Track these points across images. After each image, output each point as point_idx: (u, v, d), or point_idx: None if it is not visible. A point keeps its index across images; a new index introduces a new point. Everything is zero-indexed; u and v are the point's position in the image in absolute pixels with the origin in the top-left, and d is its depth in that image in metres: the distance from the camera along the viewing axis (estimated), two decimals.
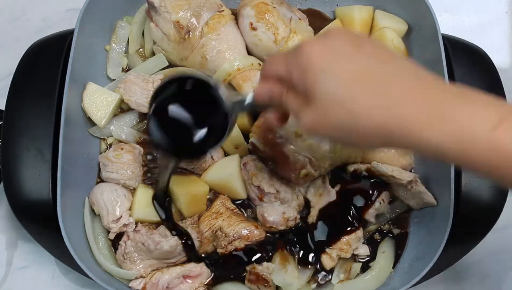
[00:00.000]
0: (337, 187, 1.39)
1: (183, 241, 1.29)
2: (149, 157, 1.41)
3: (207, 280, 1.31)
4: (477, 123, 0.77)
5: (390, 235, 1.37)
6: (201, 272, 1.30)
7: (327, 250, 1.32)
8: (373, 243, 1.36)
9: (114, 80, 1.49)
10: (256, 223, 1.36)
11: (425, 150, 0.81)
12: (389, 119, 0.81)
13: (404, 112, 0.81)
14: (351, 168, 1.39)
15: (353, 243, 1.32)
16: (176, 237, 1.28)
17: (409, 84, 0.83)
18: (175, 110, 1.12)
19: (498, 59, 1.45)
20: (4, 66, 1.56)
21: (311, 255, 1.34)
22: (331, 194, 1.37)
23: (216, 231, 1.30)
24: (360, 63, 0.85)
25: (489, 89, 1.38)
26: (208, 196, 1.37)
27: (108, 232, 1.34)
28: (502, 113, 0.77)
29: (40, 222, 1.31)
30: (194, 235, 1.31)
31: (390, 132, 0.82)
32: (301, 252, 1.35)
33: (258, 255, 1.32)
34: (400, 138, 0.82)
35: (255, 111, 1.39)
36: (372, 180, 1.38)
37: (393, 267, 1.34)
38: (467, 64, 1.40)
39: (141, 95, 1.41)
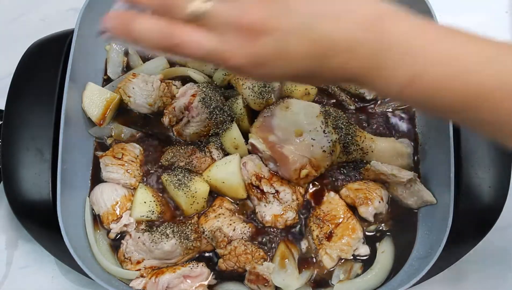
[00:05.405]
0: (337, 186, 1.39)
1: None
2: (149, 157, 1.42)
3: (207, 280, 1.31)
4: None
5: (389, 234, 1.37)
6: (201, 272, 1.30)
7: (327, 250, 1.32)
8: (373, 243, 1.36)
9: (114, 80, 1.49)
10: (255, 224, 1.36)
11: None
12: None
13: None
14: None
15: (353, 243, 1.32)
16: (176, 237, 1.28)
17: None
18: None
19: None
20: (4, 66, 1.56)
21: (312, 255, 1.34)
22: (331, 194, 1.37)
23: (215, 232, 1.31)
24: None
25: None
26: (208, 196, 1.38)
27: (108, 232, 1.35)
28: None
29: (40, 222, 1.31)
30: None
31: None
32: (302, 252, 1.35)
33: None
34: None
35: (254, 111, 1.40)
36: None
37: (393, 267, 1.34)
38: None
39: (140, 96, 1.41)
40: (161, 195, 1.38)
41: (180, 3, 0.82)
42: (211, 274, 1.32)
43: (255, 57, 0.81)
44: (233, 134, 1.38)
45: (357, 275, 1.33)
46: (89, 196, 1.37)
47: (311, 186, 1.40)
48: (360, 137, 1.39)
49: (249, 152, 1.40)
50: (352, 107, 1.47)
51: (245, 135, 1.39)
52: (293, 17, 0.79)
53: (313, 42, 0.80)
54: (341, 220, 1.33)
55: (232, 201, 1.39)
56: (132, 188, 1.38)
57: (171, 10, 0.83)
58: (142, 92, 1.41)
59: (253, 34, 0.79)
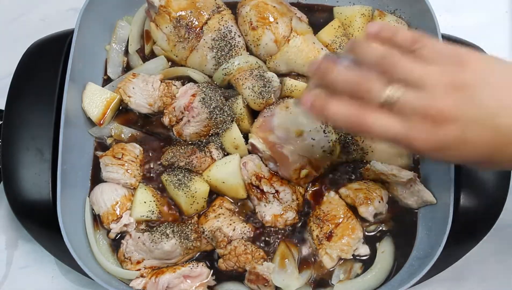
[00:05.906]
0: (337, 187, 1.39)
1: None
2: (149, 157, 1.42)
3: (207, 280, 1.31)
4: None
5: (389, 234, 1.37)
6: (201, 272, 1.30)
7: (327, 250, 1.32)
8: (372, 243, 1.36)
9: (114, 80, 1.49)
10: (255, 224, 1.36)
11: None
12: None
13: None
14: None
15: (353, 243, 1.32)
16: (176, 237, 1.28)
17: None
18: None
19: None
20: (4, 66, 1.56)
21: (312, 255, 1.34)
22: (331, 194, 1.37)
23: (215, 232, 1.31)
24: None
25: None
26: (208, 196, 1.38)
27: (108, 232, 1.35)
28: None
29: (40, 222, 1.31)
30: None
31: None
32: (302, 252, 1.35)
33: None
34: None
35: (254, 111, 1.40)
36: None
37: (393, 267, 1.34)
38: None
39: (140, 96, 1.41)
40: (161, 195, 1.38)
41: (374, 90, 0.88)
42: (211, 274, 1.32)
43: (438, 143, 0.86)
44: (233, 134, 1.38)
45: (357, 275, 1.33)
46: (89, 196, 1.37)
47: (311, 186, 1.40)
48: (360, 137, 1.39)
49: (249, 152, 1.40)
50: None
51: (245, 135, 1.39)
52: (477, 107, 0.84)
53: (495, 133, 0.84)
54: (341, 220, 1.33)
55: (232, 201, 1.39)
56: (132, 188, 1.38)
57: (365, 95, 0.89)
58: (142, 92, 1.41)
59: (438, 122, 0.85)
